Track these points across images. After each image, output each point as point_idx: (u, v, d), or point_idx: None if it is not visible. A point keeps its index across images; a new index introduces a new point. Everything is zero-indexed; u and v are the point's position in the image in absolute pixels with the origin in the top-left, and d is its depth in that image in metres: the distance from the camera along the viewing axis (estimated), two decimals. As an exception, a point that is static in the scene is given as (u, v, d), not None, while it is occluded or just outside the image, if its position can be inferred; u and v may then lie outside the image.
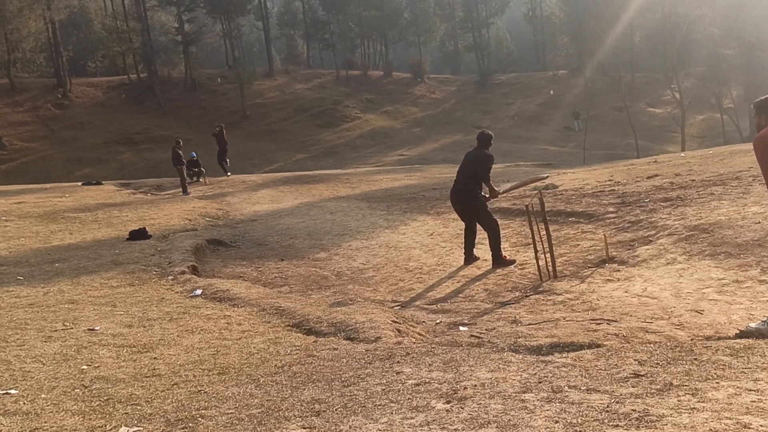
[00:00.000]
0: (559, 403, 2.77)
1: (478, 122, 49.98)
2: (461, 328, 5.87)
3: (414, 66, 63.39)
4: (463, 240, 8.82)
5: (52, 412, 3.21)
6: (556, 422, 2.54)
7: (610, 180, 13.68)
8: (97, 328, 5.31)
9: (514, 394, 2.89)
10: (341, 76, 61.20)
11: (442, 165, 29.90)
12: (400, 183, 18.97)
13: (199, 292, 7.22)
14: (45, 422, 3.05)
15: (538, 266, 7.66)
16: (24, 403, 3.34)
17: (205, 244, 11.05)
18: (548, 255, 7.69)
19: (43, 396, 3.48)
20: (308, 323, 5.47)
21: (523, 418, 2.60)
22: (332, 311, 5.86)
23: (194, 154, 24.71)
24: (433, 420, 2.66)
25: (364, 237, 11.27)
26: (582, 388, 2.96)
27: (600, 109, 48.04)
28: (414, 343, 4.66)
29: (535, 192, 13.04)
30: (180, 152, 21.36)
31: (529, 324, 5.91)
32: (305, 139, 46.41)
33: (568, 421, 2.56)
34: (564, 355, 3.61)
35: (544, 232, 7.84)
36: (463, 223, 8.94)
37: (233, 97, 53.07)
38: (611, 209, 10.09)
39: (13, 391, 3.55)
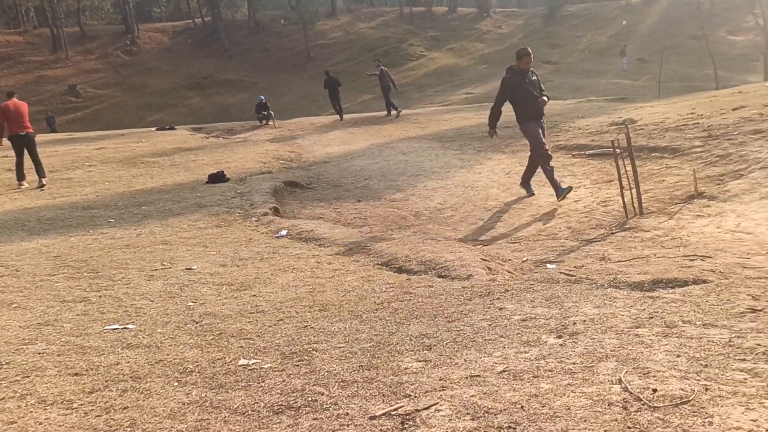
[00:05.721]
0: (677, 338, 2.73)
1: (546, 57, 48.45)
2: (549, 266, 5.83)
3: (480, 0, 61.59)
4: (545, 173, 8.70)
5: (171, 345, 3.38)
6: (678, 356, 2.51)
7: (692, 113, 13.09)
8: (194, 267, 5.51)
9: (627, 330, 2.87)
10: (405, 13, 60.01)
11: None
12: (470, 122, 18.68)
13: (284, 232, 7.38)
14: (167, 354, 3.22)
15: (624, 202, 7.48)
16: (143, 337, 3.52)
17: (282, 186, 11.24)
18: (633, 191, 7.50)
19: (159, 330, 3.66)
20: (397, 262, 5.53)
21: (642, 353, 2.58)
22: (419, 250, 5.91)
23: (263, 98, 24.95)
24: (549, 354, 2.67)
25: (439, 177, 11.22)
26: (697, 323, 2.90)
27: (676, 39, 45.75)
28: (508, 280, 4.66)
29: (614, 127, 12.66)
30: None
31: (619, 261, 5.82)
32: (370, 80, 46.07)
33: (691, 355, 2.52)
34: (670, 291, 3.55)
35: (629, 168, 7.63)
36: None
37: (297, 39, 52.97)
38: (697, 143, 9.69)
39: (131, 326, 3.75)
